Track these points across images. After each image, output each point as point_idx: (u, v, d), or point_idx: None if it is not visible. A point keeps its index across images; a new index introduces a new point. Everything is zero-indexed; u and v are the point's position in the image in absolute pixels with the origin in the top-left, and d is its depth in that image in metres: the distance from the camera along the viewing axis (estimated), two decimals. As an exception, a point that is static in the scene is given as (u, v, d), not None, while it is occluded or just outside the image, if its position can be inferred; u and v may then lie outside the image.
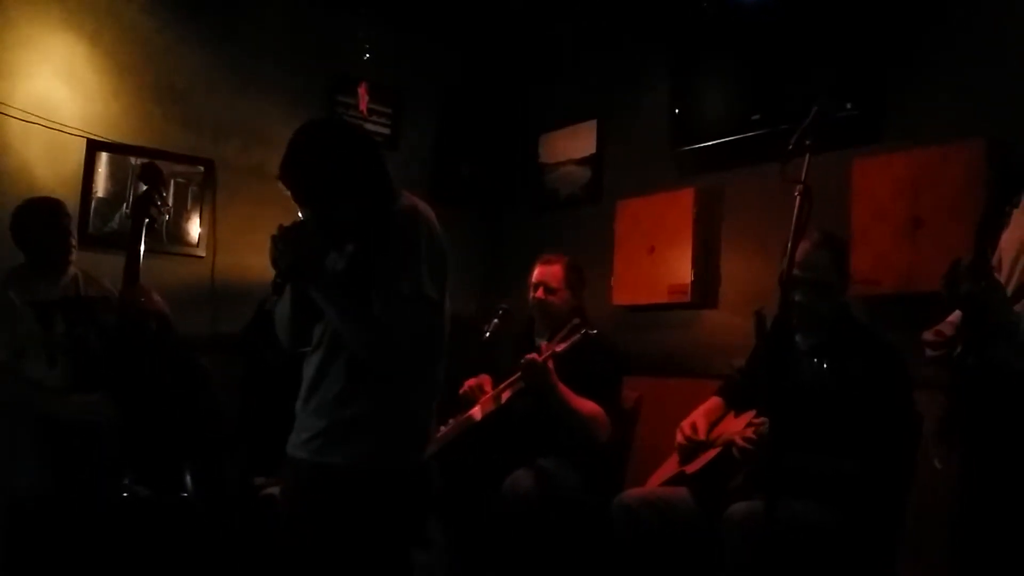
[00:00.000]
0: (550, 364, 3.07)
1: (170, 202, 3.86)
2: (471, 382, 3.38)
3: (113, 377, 2.92)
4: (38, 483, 2.76)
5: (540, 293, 3.38)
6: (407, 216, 2.05)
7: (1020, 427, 1.99)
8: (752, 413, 2.71)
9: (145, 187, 3.10)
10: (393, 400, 2.08)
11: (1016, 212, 2.13)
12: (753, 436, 2.53)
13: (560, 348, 3.13)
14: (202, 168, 4.21)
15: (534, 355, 3.07)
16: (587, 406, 3.11)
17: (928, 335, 2.14)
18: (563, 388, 3.07)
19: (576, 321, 3.30)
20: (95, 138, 3.93)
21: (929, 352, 2.12)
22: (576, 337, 3.15)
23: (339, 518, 2.06)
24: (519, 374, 3.13)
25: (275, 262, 2.06)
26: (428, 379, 2.17)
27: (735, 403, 2.93)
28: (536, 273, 3.44)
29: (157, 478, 2.91)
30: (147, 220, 3.06)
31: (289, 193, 2.13)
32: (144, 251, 3.04)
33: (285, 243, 2.04)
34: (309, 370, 2.18)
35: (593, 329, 3.20)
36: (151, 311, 3.08)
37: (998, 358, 1.99)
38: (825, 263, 2.62)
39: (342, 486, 2.07)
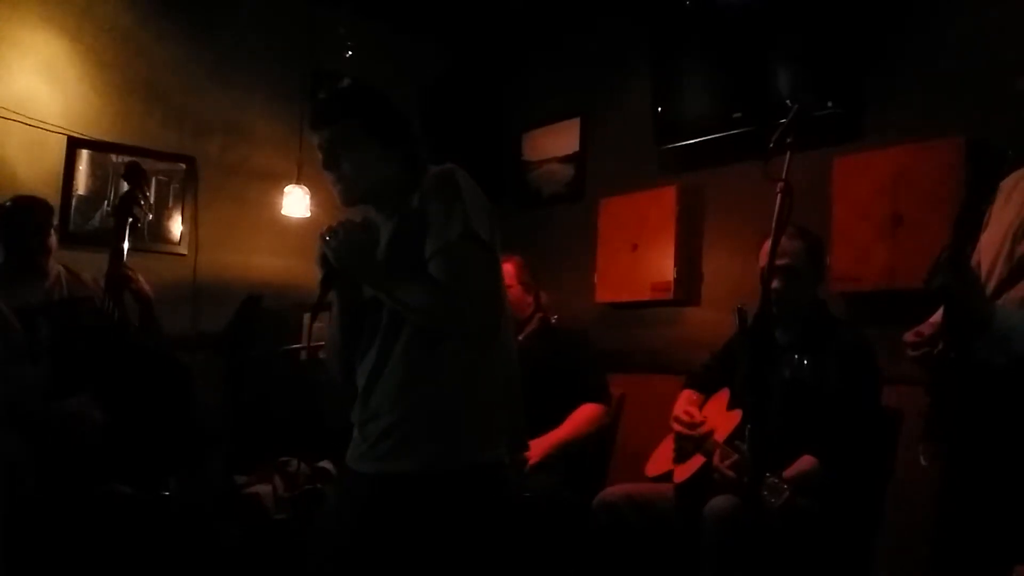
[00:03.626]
0: (532, 459, 3.04)
1: (152, 200, 3.85)
2: None
3: (98, 378, 2.90)
4: (27, 486, 2.75)
5: None
6: (444, 171, 1.93)
7: (1002, 424, 2.00)
8: (740, 413, 2.72)
9: (128, 186, 3.10)
10: (458, 388, 1.91)
11: (993, 210, 2.15)
12: (731, 473, 2.53)
13: (521, 337, 3.18)
14: (184, 165, 4.19)
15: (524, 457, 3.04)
16: (579, 421, 3.14)
17: (909, 336, 2.15)
18: (554, 437, 3.09)
19: (539, 316, 3.34)
20: (76, 135, 3.91)
21: (910, 352, 2.13)
22: (534, 325, 3.19)
23: (425, 535, 1.88)
24: None
25: (324, 259, 1.95)
26: (489, 358, 1.96)
27: (709, 390, 2.98)
28: None
29: (140, 477, 2.89)
30: (130, 219, 3.05)
31: (327, 139, 1.97)
32: (131, 251, 3.04)
33: (335, 238, 1.92)
34: (362, 377, 2.02)
35: (554, 316, 3.27)
36: (136, 289, 3.06)
37: (980, 355, 2.01)
38: (796, 251, 2.65)
39: (420, 497, 1.89)
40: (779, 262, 2.58)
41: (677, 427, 2.83)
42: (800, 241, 2.67)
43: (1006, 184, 2.15)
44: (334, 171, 1.98)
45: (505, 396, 2.00)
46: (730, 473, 2.50)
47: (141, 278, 3.10)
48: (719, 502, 2.45)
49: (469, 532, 1.91)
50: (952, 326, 2.02)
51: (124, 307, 3.02)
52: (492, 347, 1.96)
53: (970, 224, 1.94)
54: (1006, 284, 2.04)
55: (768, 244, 2.75)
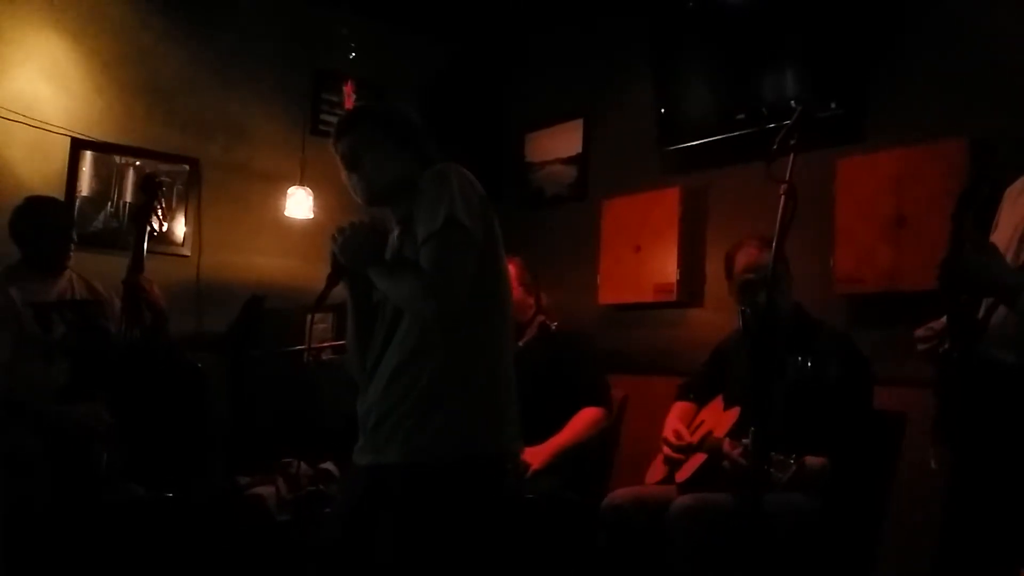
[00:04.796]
0: (534, 466, 3.03)
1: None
2: None
3: (113, 380, 2.95)
4: (37, 488, 2.76)
5: None
6: (437, 168, 2.00)
7: (1009, 422, 2.00)
8: (737, 410, 2.72)
9: (145, 197, 3.16)
10: (447, 379, 1.94)
11: (1000, 215, 2.15)
12: (742, 460, 2.53)
13: (521, 343, 3.19)
14: (187, 167, 4.20)
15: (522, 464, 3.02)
16: (579, 426, 3.13)
17: (920, 331, 2.15)
18: (555, 443, 3.08)
19: (540, 318, 3.34)
20: (79, 137, 3.92)
21: (920, 346, 2.14)
22: (534, 331, 3.19)
23: (411, 528, 1.91)
24: None
25: (333, 255, 2.07)
26: (483, 348, 1.99)
27: (702, 398, 2.99)
28: None
29: (158, 479, 2.93)
30: (149, 229, 3.13)
31: (348, 146, 2.10)
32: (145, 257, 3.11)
33: (342, 234, 2.05)
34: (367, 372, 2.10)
35: (554, 323, 3.26)
36: (151, 301, 3.10)
37: (985, 353, 2.01)
38: (768, 263, 2.67)
39: (407, 488, 1.92)
40: (756, 276, 2.63)
41: (666, 449, 2.86)
42: (769, 252, 2.69)
43: (1013, 189, 2.16)
44: (355, 172, 2.08)
45: (502, 389, 2.02)
46: (741, 460, 2.51)
47: (157, 290, 3.13)
48: (682, 501, 2.47)
49: (456, 527, 1.92)
50: (955, 325, 2.03)
51: (143, 316, 3.07)
52: (487, 340, 2.00)
53: (971, 204, 1.95)
54: None
55: (742, 252, 2.78)
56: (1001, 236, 2.11)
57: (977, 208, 2.03)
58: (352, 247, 2.03)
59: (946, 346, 2.04)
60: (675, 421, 2.95)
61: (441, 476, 1.91)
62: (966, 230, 1.98)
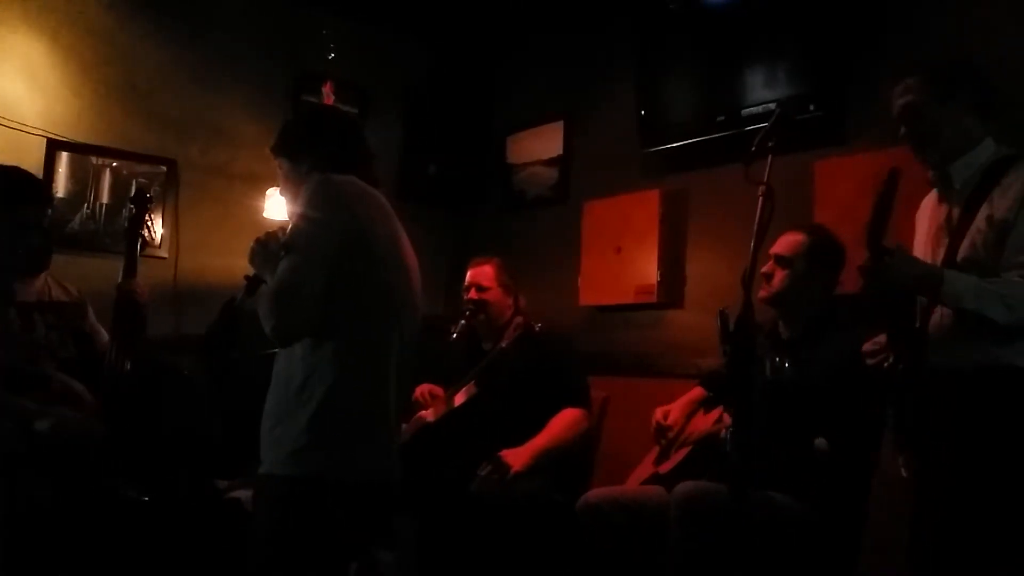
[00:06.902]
0: (515, 467, 3.04)
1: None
2: (422, 389, 3.41)
3: (101, 390, 2.94)
4: (35, 492, 2.74)
5: (472, 293, 3.40)
6: (304, 189, 2.09)
7: (962, 425, 2.03)
8: (719, 411, 2.74)
9: (136, 210, 3.15)
10: (305, 395, 2.02)
11: (919, 215, 2.21)
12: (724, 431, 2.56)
13: (505, 343, 3.21)
14: (164, 168, 4.17)
15: (499, 463, 3.05)
16: (560, 427, 3.13)
17: (867, 347, 2.19)
18: (535, 444, 3.08)
19: (519, 319, 3.33)
20: (55, 137, 3.88)
21: (868, 361, 2.17)
22: (519, 332, 3.19)
23: (262, 527, 2.07)
24: (472, 381, 3.16)
25: (250, 261, 2.16)
26: (346, 369, 2.03)
27: (717, 394, 2.99)
28: (468, 276, 3.46)
29: (139, 483, 2.93)
30: (139, 241, 3.14)
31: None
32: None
33: (255, 245, 2.14)
34: None
35: (538, 323, 3.24)
36: (139, 304, 3.09)
37: (939, 364, 2.05)
38: (798, 244, 2.74)
39: (264, 495, 2.09)
40: (779, 251, 2.70)
41: (653, 419, 2.92)
42: (805, 236, 2.71)
43: (923, 208, 2.35)
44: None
45: (361, 412, 2.07)
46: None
47: (146, 292, 3.13)
48: (685, 486, 2.47)
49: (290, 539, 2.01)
50: (896, 339, 2.07)
51: (134, 338, 3.06)
52: (350, 361, 2.04)
53: (885, 213, 2.00)
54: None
55: (783, 237, 2.78)
56: (916, 252, 2.22)
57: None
58: (259, 258, 2.11)
59: (890, 359, 2.08)
60: (677, 404, 2.97)
61: (275, 489, 2.03)
62: (882, 238, 2.03)
